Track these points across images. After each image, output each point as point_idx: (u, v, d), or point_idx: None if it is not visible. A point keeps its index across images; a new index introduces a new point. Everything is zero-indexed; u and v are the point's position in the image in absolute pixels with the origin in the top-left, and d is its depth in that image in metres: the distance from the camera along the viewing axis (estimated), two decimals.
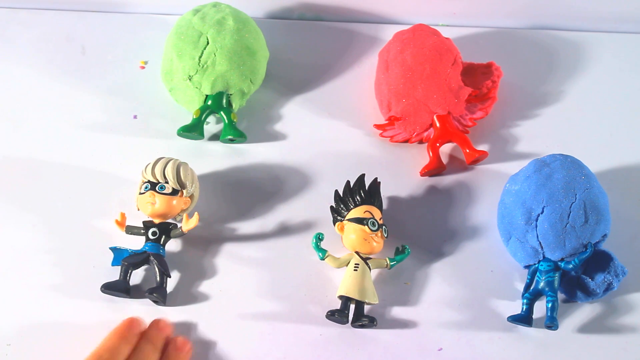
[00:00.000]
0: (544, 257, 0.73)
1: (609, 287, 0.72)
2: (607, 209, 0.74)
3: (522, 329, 0.73)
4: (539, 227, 0.72)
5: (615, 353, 0.72)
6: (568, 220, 0.72)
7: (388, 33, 0.91)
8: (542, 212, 0.72)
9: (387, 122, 0.84)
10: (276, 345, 0.72)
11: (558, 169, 0.74)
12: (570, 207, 0.72)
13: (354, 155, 0.84)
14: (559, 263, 0.72)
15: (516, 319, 0.71)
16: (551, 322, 0.70)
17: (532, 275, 0.73)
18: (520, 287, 0.74)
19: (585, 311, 0.74)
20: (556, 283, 0.72)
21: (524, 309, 0.72)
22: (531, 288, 0.72)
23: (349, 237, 0.74)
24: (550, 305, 0.71)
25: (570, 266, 0.72)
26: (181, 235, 0.76)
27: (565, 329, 0.73)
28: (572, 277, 0.73)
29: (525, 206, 0.73)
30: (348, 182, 0.77)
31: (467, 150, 0.81)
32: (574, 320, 0.73)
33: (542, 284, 0.72)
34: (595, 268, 0.73)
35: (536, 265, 0.73)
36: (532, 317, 0.71)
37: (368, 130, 0.85)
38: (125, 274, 0.74)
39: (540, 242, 0.72)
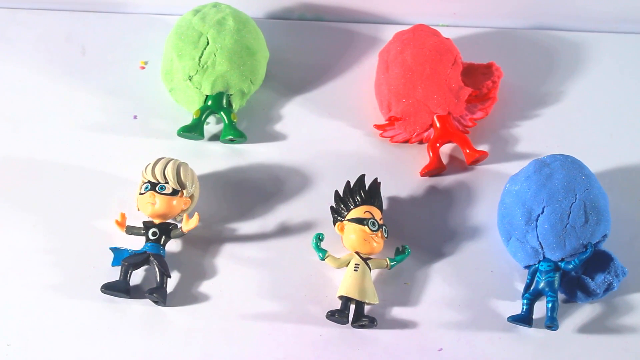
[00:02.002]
0: (544, 257, 0.73)
1: (609, 288, 0.72)
2: (607, 209, 0.74)
3: (522, 329, 0.72)
4: (539, 227, 0.72)
5: (615, 353, 0.72)
6: (568, 220, 0.72)
7: (388, 33, 0.91)
8: (542, 213, 0.72)
9: (387, 122, 0.84)
10: (276, 345, 0.72)
11: (558, 169, 0.74)
12: (571, 207, 0.72)
13: (354, 156, 0.84)
14: (559, 263, 0.72)
15: (516, 319, 0.71)
16: (551, 323, 0.70)
17: (532, 276, 0.73)
18: (520, 287, 0.74)
19: (585, 311, 0.74)
20: (556, 283, 0.72)
21: (524, 309, 0.72)
22: (531, 288, 0.72)
23: (349, 237, 0.74)
24: (550, 305, 0.71)
25: (571, 266, 0.72)
26: (181, 235, 0.76)
27: (565, 329, 0.73)
28: (572, 278, 0.73)
29: (526, 206, 0.73)
30: (348, 182, 0.77)
31: (467, 151, 0.81)
32: (574, 321, 0.73)
33: (542, 284, 0.72)
34: (595, 268, 0.73)
35: (536, 265, 0.73)
36: (532, 318, 0.71)
37: (368, 131, 0.85)
38: (125, 274, 0.74)
39: (540, 243, 0.72)
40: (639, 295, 0.74)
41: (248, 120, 0.86)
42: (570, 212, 0.72)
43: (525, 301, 0.72)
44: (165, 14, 0.95)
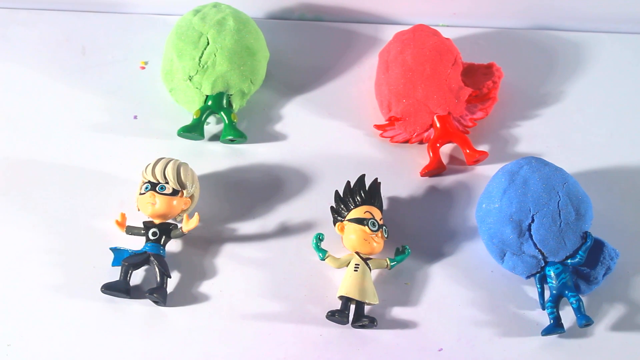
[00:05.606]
0: (545, 262, 0.73)
1: (607, 271, 0.72)
2: (584, 193, 0.74)
3: (521, 329, 0.72)
4: (534, 235, 0.72)
5: (614, 353, 0.72)
6: (561, 219, 0.72)
7: (388, 33, 0.91)
8: (532, 221, 0.72)
9: (387, 122, 0.84)
10: (276, 345, 0.72)
11: (529, 174, 0.74)
12: (558, 206, 0.72)
13: (354, 156, 0.84)
14: (567, 262, 0.72)
15: (550, 331, 0.70)
16: (585, 320, 0.70)
17: (540, 283, 0.73)
18: (521, 287, 0.74)
19: (589, 311, 0.73)
20: (570, 282, 0.71)
21: (551, 319, 0.71)
22: (549, 296, 0.72)
23: (349, 237, 0.74)
24: (576, 305, 0.70)
25: (577, 260, 0.71)
26: (181, 235, 0.76)
27: (567, 328, 0.72)
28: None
29: (514, 220, 0.72)
30: (348, 182, 0.77)
31: (468, 151, 0.81)
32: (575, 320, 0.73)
33: (559, 288, 0.71)
34: (588, 257, 0.72)
35: (541, 272, 0.73)
36: (561, 322, 0.71)
37: (368, 131, 0.85)
38: (125, 274, 0.74)
39: (539, 250, 0.72)
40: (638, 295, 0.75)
41: (248, 121, 0.86)
42: (560, 211, 0.72)
43: (549, 311, 0.71)
44: (165, 14, 0.95)
